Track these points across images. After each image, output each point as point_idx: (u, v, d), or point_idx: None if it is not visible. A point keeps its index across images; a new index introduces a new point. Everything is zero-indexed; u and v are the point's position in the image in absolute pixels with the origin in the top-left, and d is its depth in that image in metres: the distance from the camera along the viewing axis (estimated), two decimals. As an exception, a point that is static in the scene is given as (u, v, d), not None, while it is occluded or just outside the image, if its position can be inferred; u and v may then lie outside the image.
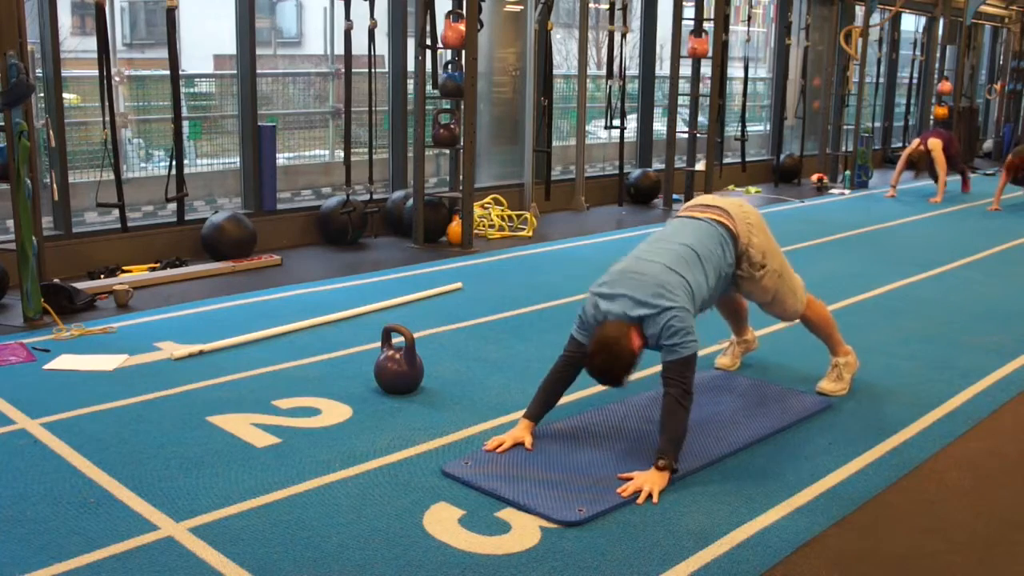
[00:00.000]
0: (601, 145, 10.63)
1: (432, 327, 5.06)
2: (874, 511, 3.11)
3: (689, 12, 9.65)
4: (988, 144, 16.13)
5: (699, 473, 3.34)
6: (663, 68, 10.96)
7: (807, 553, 2.83)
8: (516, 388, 4.14)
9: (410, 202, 7.52)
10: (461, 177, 7.47)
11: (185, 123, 6.86)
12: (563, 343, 4.80)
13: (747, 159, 11.24)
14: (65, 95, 6.15)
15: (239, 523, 2.92)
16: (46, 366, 4.34)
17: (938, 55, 14.52)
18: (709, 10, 9.59)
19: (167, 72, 6.29)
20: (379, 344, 4.14)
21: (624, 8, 9.60)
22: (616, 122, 9.61)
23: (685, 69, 9.90)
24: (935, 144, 10.66)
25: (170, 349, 4.58)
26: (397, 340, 4.11)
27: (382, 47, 7.87)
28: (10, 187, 4.91)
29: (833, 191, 11.31)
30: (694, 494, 3.18)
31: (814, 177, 11.68)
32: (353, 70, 7.30)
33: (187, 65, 7.20)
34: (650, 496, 3.11)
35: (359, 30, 7.25)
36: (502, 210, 8.21)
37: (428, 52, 7.30)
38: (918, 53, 14.53)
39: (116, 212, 6.19)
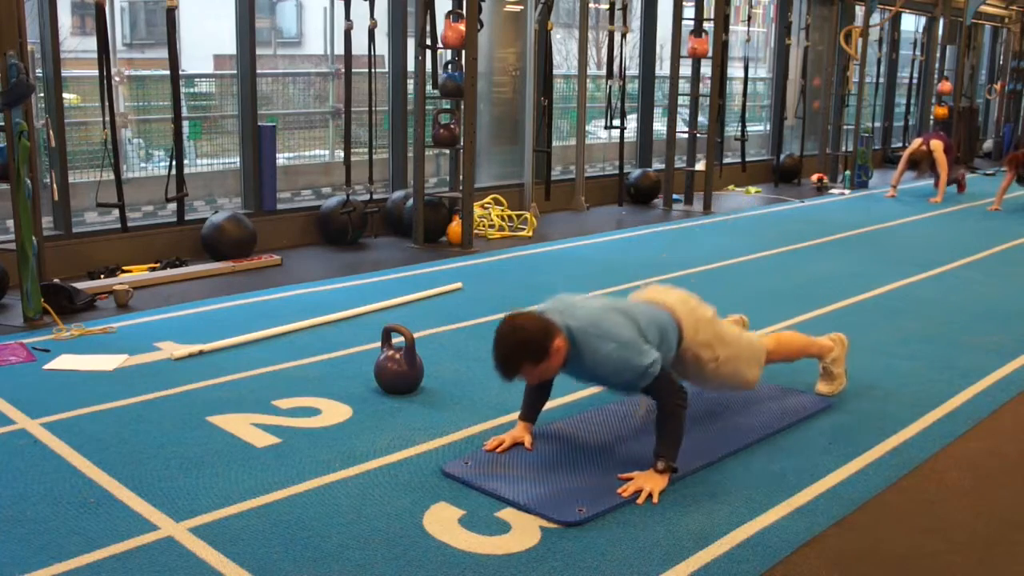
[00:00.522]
0: (601, 145, 10.63)
1: (432, 327, 5.06)
2: (874, 511, 3.11)
3: (689, 12, 9.64)
4: (988, 144, 16.13)
5: (699, 473, 3.34)
6: (663, 68, 10.96)
7: (807, 553, 2.83)
8: (516, 388, 4.10)
9: (410, 202, 7.52)
10: (461, 177, 7.47)
11: (185, 123, 6.86)
12: (563, 343, 4.83)
13: (747, 159, 11.24)
14: (65, 95, 6.15)
15: (239, 523, 2.92)
16: (46, 366, 4.34)
17: (938, 55, 14.52)
18: (709, 10, 9.58)
19: (167, 72, 6.29)
20: (379, 344, 4.14)
21: (624, 8, 9.60)
22: (616, 122, 9.62)
23: (685, 69, 9.90)
24: (936, 145, 10.67)
25: (170, 349, 4.58)
26: (397, 340, 4.11)
27: (382, 47, 7.87)
28: (10, 187, 4.91)
29: (833, 191, 11.31)
30: (694, 494, 3.18)
31: (814, 177, 11.68)
32: (353, 70, 7.30)
33: (187, 65, 7.20)
34: (650, 496, 3.11)
35: (359, 30, 7.25)
36: (502, 210, 8.21)
37: (428, 52, 7.30)
38: (918, 53, 14.53)
39: (116, 212, 6.19)
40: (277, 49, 9.62)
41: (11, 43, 4.91)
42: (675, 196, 9.91)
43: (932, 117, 14.46)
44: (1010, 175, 10.06)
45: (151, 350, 4.59)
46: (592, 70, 10.69)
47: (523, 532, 2.90)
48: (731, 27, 10.70)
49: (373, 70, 7.35)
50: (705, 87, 9.96)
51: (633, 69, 10.40)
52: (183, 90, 6.67)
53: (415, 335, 4.08)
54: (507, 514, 3.01)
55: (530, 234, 7.96)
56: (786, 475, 3.34)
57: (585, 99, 9.34)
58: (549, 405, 3.65)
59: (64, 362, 4.39)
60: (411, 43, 7.86)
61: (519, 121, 9.17)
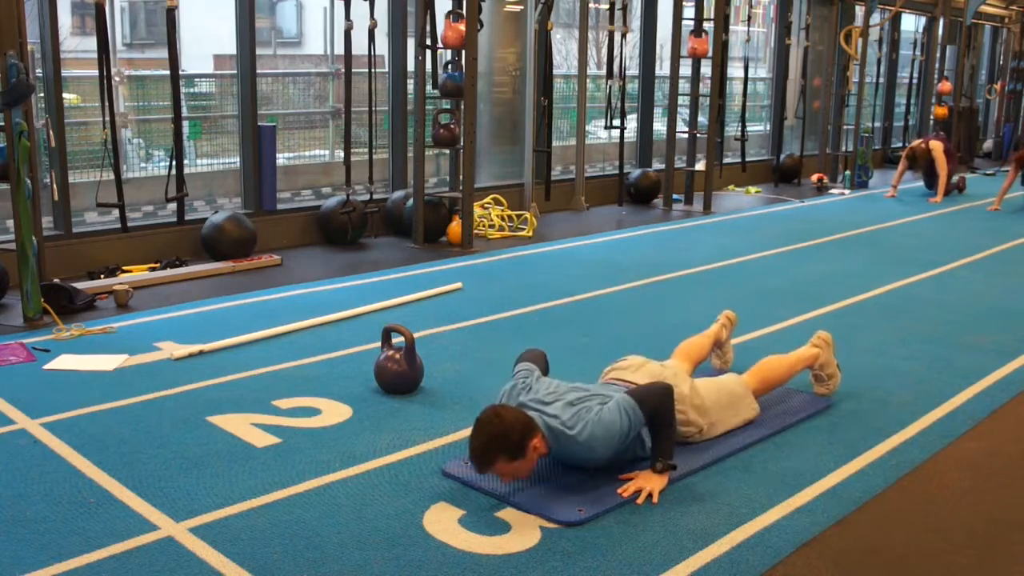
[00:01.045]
0: (601, 145, 10.63)
1: (432, 327, 5.06)
2: (874, 511, 3.11)
3: (689, 12, 9.64)
4: (988, 144, 16.13)
5: (699, 473, 3.34)
6: (663, 68, 10.96)
7: (807, 553, 2.83)
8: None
9: (410, 202, 7.52)
10: (461, 177, 7.47)
11: (185, 123, 6.86)
12: (563, 343, 4.83)
13: (747, 159, 11.24)
14: (65, 95, 6.15)
15: (239, 523, 2.92)
16: (46, 366, 4.34)
17: (938, 55, 14.52)
18: (709, 10, 9.58)
19: (167, 72, 6.29)
20: (379, 344, 4.14)
21: (624, 8, 9.60)
22: (616, 122, 9.61)
23: (685, 69, 9.90)
24: (936, 145, 10.68)
25: (170, 349, 4.58)
26: (397, 340, 4.11)
27: (382, 47, 7.87)
28: (10, 187, 4.91)
29: (833, 191, 11.31)
30: (694, 494, 3.18)
31: (814, 177, 11.68)
32: (353, 70, 7.30)
33: (187, 65, 7.21)
34: (650, 496, 3.11)
35: (359, 30, 7.25)
36: (502, 210, 8.21)
37: (428, 52, 7.30)
38: (918, 53, 14.53)
39: (116, 212, 6.19)
40: (277, 49, 9.62)
41: (11, 43, 4.91)
42: (675, 196, 9.92)
43: (932, 117, 14.46)
44: (1012, 175, 10.05)
45: (151, 350, 4.59)
46: (592, 70, 10.69)
47: (523, 532, 2.90)
48: (731, 27, 10.70)
49: (373, 70, 7.35)
50: (705, 87, 9.97)
51: (633, 69, 10.40)
52: (183, 90, 6.67)
53: (415, 335, 4.08)
54: (507, 514, 3.01)
55: (530, 234, 7.96)
56: (786, 475, 3.34)
57: (585, 99, 9.34)
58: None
59: (64, 362, 4.38)
60: (411, 43, 7.86)
61: (519, 121, 9.17)
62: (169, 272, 6.17)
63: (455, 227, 7.47)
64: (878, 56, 14.07)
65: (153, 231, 6.65)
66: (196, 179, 7.18)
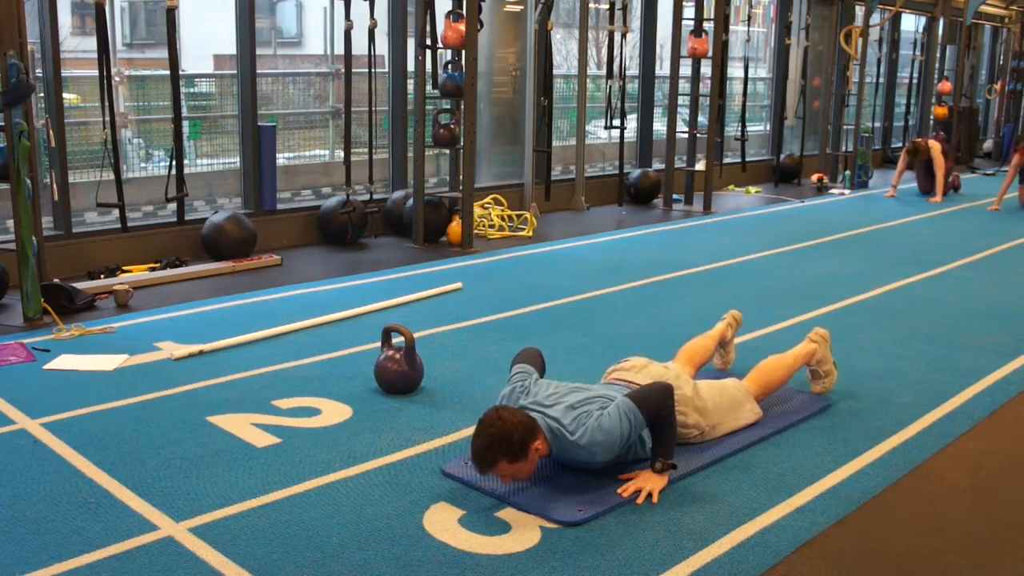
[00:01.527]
0: (601, 145, 10.63)
1: (432, 327, 5.06)
2: (874, 511, 3.11)
3: (689, 12, 9.64)
4: (988, 144, 16.13)
5: (699, 473, 3.34)
6: (663, 68, 10.97)
7: (807, 553, 2.83)
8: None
9: (410, 202, 7.52)
10: (461, 177, 7.47)
11: (185, 123, 6.86)
12: (563, 343, 4.83)
13: (747, 159, 11.24)
14: (65, 95, 6.15)
15: (239, 523, 2.92)
16: (46, 366, 4.34)
17: (938, 55, 14.52)
18: (709, 10, 9.58)
19: (167, 72, 6.29)
20: (379, 344, 4.14)
21: (624, 8, 9.60)
22: (616, 122, 9.61)
23: (685, 69, 9.90)
24: (935, 144, 10.69)
25: (170, 349, 4.58)
26: (397, 340, 4.11)
27: (382, 47, 7.87)
28: (10, 187, 4.91)
29: (833, 191, 11.31)
30: (694, 494, 3.18)
31: (814, 177, 11.68)
32: (353, 70, 7.30)
33: (187, 65, 7.21)
34: (650, 496, 3.11)
35: (359, 30, 7.25)
36: (502, 210, 8.21)
37: (428, 52, 7.30)
38: (918, 53, 14.53)
39: (116, 212, 6.19)
40: (277, 49, 9.62)
41: (11, 43, 4.91)
42: (675, 196, 9.92)
43: (932, 117, 14.46)
44: (1012, 174, 10.05)
45: (151, 350, 4.59)
46: (592, 70, 10.69)
47: (523, 532, 2.90)
48: (731, 27, 10.70)
49: (373, 70, 7.35)
50: (705, 87, 9.97)
51: (633, 69, 10.40)
52: (183, 90, 6.67)
53: (415, 335, 4.08)
54: (507, 514, 3.01)
55: (530, 234, 7.96)
56: (786, 475, 3.34)
57: (585, 99, 9.34)
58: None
59: (64, 362, 4.39)
60: (411, 43, 7.86)
61: (519, 121, 9.17)
62: (169, 272, 6.17)
63: (455, 227, 7.47)
64: (878, 56, 14.07)
65: (153, 231, 6.65)
66: (196, 179, 7.18)
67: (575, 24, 9.81)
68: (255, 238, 6.74)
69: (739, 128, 11.00)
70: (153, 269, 6.25)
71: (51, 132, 5.79)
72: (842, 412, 3.96)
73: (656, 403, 3.16)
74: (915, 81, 14.61)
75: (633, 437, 3.17)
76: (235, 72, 7.11)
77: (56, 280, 5.53)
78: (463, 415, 3.82)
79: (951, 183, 11.12)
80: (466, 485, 3.19)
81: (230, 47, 7.14)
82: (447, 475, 3.27)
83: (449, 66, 7.43)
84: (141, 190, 6.97)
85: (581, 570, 2.70)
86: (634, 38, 10.37)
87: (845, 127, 12.26)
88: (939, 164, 10.53)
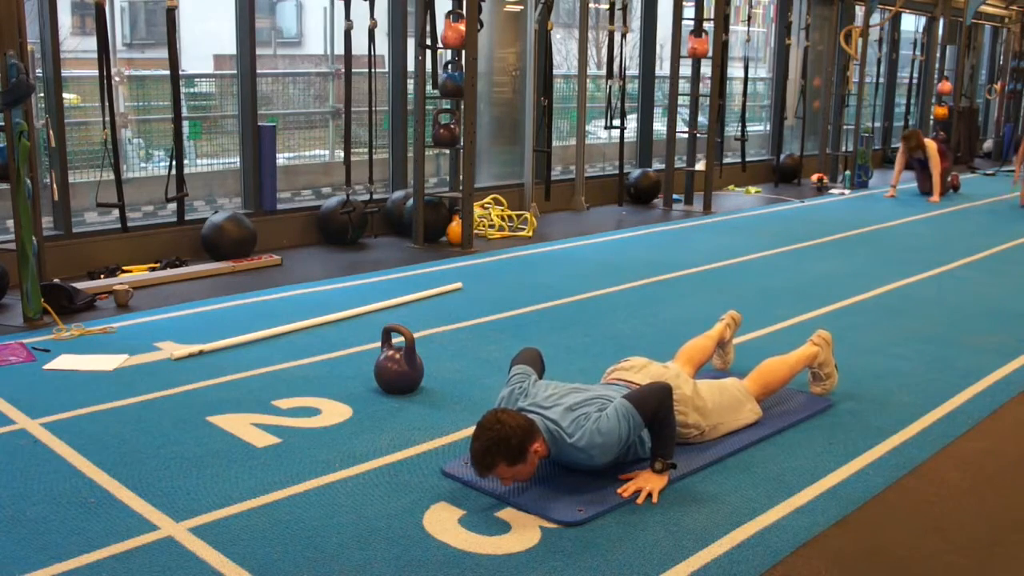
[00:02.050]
0: (601, 145, 10.63)
1: (432, 327, 5.06)
2: (874, 511, 3.11)
3: (689, 12, 9.64)
4: (988, 144, 16.13)
5: (699, 473, 3.34)
6: (663, 68, 10.96)
7: (807, 553, 2.83)
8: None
9: (410, 202, 7.52)
10: (461, 177, 7.47)
11: (185, 123, 6.86)
12: (563, 343, 4.83)
13: (747, 159, 11.24)
14: (65, 95, 6.15)
15: (239, 523, 2.92)
16: (46, 366, 4.34)
17: (938, 55, 14.52)
18: (709, 10, 9.58)
19: (167, 72, 6.29)
20: (379, 344, 4.14)
21: (624, 8, 9.60)
22: (616, 122, 9.61)
23: (685, 69, 9.90)
24: (931, 144, 10.69)
25: (170, 349, 4.58)
26: (397, 340, 4.11)
27: (382, 47, 7.87)
28: (10, 187, 4.91)
29: (833, 191, 11.31)
30: (694, 494, 3.18)
31: (814, 177, 11.68)
32: (353, 70, 7.30)
33: (187, 65, 7.21)
34: (650, 496, 3.11)
35: (359, 30, 7.25)
36: (502, 210, 8.21)
37: (428, 52, 7.30)
38: (918, 53, 14.53)
39: (116, 212, 6.19)
40: (277, 49, 9.62)
41: (11, 43, 4.91)
42: (675, 196, 9.91)
43: (932, 117, 14.46)
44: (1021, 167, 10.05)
45: (151, 350, 4.59)
46: (592, 70, 10.69)
47: (523, 532, 2.90)
48: (731, 27, 10.70)
49: (373, 70, 7.35)
50: (705, 87, 9.96)
51: (633, 69, 10.40)
52: (183, 90, 6.67)
53: (415, 335, 4.08)
54: (507, 514, 3.01)
55: (530, 234, 7.96)
56: (786, 475, 3.34)
57: (585, 99, 9.33)
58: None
59: (64, 362, 4.39)
60: (411, 43, 7.86)
61: (519, 121, 9.17)
62: (169, 272, 6.17)
63: (455, 227, 7.47)
64: (878, 56, 14.07)
65: (153, 231, 6.65)
66: (196, 179, 7.18)
67: (575, 24, 9.81)
68: (255, 238, 6.74)
69: (739, 128, 11.00)
70: (153, 269, 6.25)
71: (51, 132, 5.79)
72: (842, 412, 3.96)
73: (655, 403, 3.16)
74: (915, 81, 14.61)
75: (632, 438, 3.17)
76: (235, 72, 7.11)
77: (56, 280, 5.53)
78: (463, 415, 3.82)
79: (951, 183, 11.11)
80: (466, 485, 3.19)
81: (230, 47, 7.14)
82: (447, 475, 3.27)
83: (449, 66, 7.43)
84: (141, 190, 6.97)
85: (581, 570, 2.70)
86: (634, 38, 10.37)
87: (845, 127, 12.26)
88: (935, 163, 10.53)
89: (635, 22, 10.36)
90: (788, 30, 11.81)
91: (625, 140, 9.84)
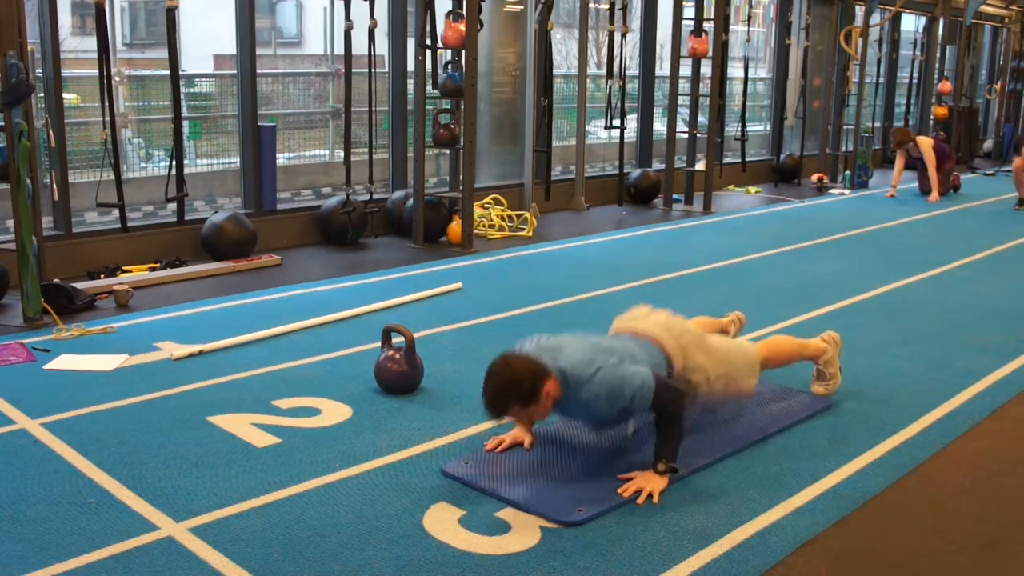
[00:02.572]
0: (601, 145, 10.63)
1: (432, 327, 5.06)
2: (874, 511, 3.11)
3: (689, 12, 9.64)
4: (988, 144, 16.13)
5: (699, 473, 3.34)
6: (663, 68, 10.96)
7: (807, 553, 2.83)
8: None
9: (410, 202, 7.52)
10: (461, 177, 7.47)
11: (185, 123, 6.86)
12: (563, 343, 4.83)
13: (747, 159, 11.24)
14: (65, 95, 6.15)
15: (239, 523, 2.92)
16: (46, 366, 4.34)
17: (938, 55, 14.51)
18: (709, 10, 9.58)
19: (167, 72, 6.29)
20: (379, 344, 4.14)
21: (624, 8, 9.60)
22: (616, 122, 9.61)
23: (685, 69, 9.89)
24: (924, 140, 10.67)
25: (170, 349, 4.58)
26: (397, 340, 4.11)
27: (382, 47, 7.87)
28: (10, 187, 4.91)
29: (833, 191, 11.31)
30: (694, 494, 3.18)
31: (814, 177, 11.68)
32: (353, 70, 7.30)
33: (187, 65, 7.21)
34: (650, 496, 3.11)
35: (359, 30, 7.25)
36: (502, 210, 8.21)
37: (428, 52, 7.30)
38: (918, 53, 14.53)
39: (116, 212, 6.19)
40: (277, 49, 9.63)
41: (11, 43, 4.91)
42: (675, 196, 9.91)
43: (932, 117, 14.45)
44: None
45: (151, 350, 4.59)
46: (592, 70, 10.69)
47: (523, 532, 2.90)
48: (731, 27, 10.70)
49: (373, 70, 7.35)
50: (705, 87, 9.96)
51: (633, 69, 10.39)
52: (183, 90, 6.67)
53: (415, 335, 4.08)
54: (507, 514, 3.01)
55: (530, 234, 7.96)
56: (786, 475, 3.34)
57: (585, 99, 9.34)
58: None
59: (64, 362, 4.39)
60: (411, 43, 7.86)
61: (519, 121, 9.17)
62: (169, 272, 6.17)
63: (455, 227, 7.47)
64: (878, 56, 14.07)
65: (153, 231, 6.65)
66: (196, 179, 7.18)
67: (575, 24, 9.82)
68: (255, 238, 6.74)
69: (739, 128, 11.00)
70: (153, 269, 6.25)
71: (51, 132, 5.78)
72: (842, 412, 3.96)
73: (667, 397, 3.17)
74: (915, 81, 14.60)
75: (634, 406, 3.16)
76: (235, 72, 7.11)
77: (56, 280, 5.53)
78: (463, 415, 3.82)
79: (951, 183, 11.11)
80: (466, 485, 3.19)
81: (230, 47, 7.14)
82: (447, 475, 3.27)
83: (449, 66, 7.43)
84: (141, 190, 6.97)
85: (581, 570, 2.70)
86: (634, 38, 10.37)
87: (845, 127, 12.26)
88: (930, 160, 10.51)
89: (635, 22, 10.36)
90: (788, 30, 11.81)
91: (625, 140, 9.84)
